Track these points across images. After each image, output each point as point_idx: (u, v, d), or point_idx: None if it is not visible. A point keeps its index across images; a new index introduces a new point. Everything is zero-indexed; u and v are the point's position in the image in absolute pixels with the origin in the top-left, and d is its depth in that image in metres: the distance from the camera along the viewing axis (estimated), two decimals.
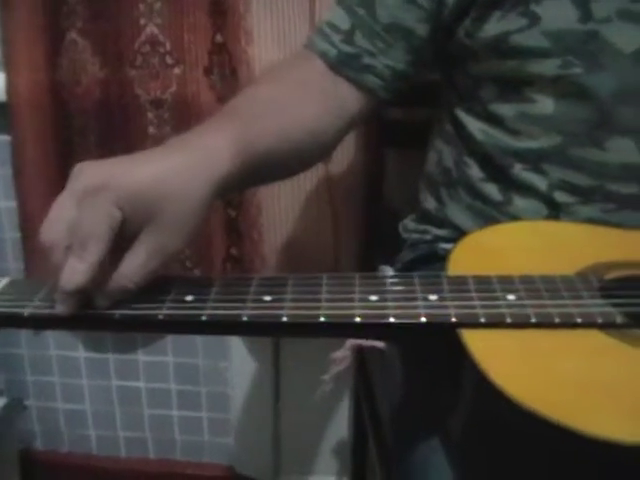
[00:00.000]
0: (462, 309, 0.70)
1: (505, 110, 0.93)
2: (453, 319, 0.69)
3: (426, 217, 1.07)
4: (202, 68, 1.27)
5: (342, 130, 0.97)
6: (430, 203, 1.06)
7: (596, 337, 0.69)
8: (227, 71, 1.25)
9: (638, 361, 0.67)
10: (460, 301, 0.72)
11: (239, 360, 1.51)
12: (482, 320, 0.69)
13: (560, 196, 0.92)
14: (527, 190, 0.94)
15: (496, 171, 0.96)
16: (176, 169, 0.70)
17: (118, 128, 1.30)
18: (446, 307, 0.71)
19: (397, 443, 0.90)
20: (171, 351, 1.56)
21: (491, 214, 0.97)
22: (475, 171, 0.98)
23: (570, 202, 0.92)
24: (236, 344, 1.50)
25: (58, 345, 1.58)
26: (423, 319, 0.70)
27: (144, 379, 1.59)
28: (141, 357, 1.57)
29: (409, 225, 1.10)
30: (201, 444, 1.62)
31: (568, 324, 0.69)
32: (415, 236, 1.08)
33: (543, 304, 0.71)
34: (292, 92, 0.92)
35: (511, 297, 0.72)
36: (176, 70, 1.28)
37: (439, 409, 0.75)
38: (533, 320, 0.69)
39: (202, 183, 0.71)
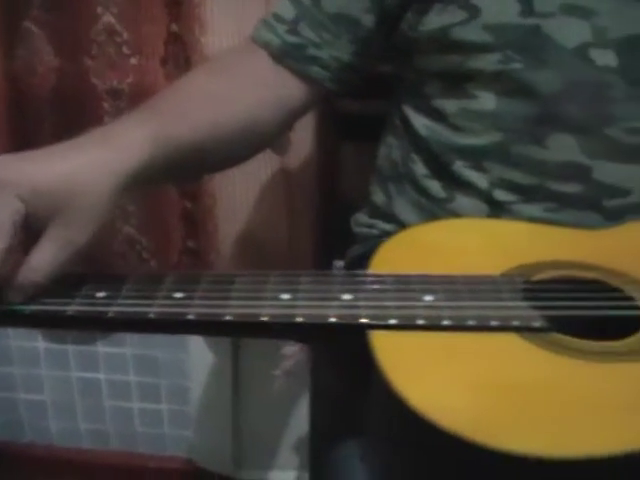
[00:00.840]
0: (374, 309, 0.67)
1: (448, 106, 0.90)
2: (363, 320, 0.66)
3: (375, 211, 1.04)
4: (159, 58, 1.24)
5: (285, 121, 0.94)
6: (379, 197, 1.02)
7: (512, 341, 0.65)
8: (182, 61, 1.21)
9: (552, 367, 0.63)
10: (375, 301, 0.68)
11: (198, 352, 1.48)
12: (393, 322, 0.65)
13: (500, 194, 0.88)
14: (468, 188, 0.90)
15: (439, 168, 0.92)
16: (85, 165, 0.69)
17: (74, 118, 1.27)
18: (358, 307, 0.67)
19: (321, 442, 0.87)
20: (130, 343, 1.53)
21: (434, 211, 0.93)
22: (420, 167, 0.94)
23: (511, 201, 0.88)
24: (195, 336, 1.47)
25: (17, 336, 1.56)
26: (332, 319, 0.66)
27: (104, 370, 1.56)
28: (100, 348, 1.55)
29: (360, 219, 1.06)
30: (162, 436, 1.60)
31: (483, 327, 0.65)
32: (364, 230, 1.04)
33: (460, 306, 0.67)
34: (228, 83, 0.89)
35: (428, 298, 0.68)
36: (133, 60, 1.25)
37: (355, 410, 0.72)
38: (446, 323, 0.66)
39: (110, 178, 0.70)
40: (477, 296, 0.69)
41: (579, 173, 0.86)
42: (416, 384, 0.60)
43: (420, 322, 0.66)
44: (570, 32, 0.83)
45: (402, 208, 0.97)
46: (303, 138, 1.21)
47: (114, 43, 1.24)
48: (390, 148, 1.00)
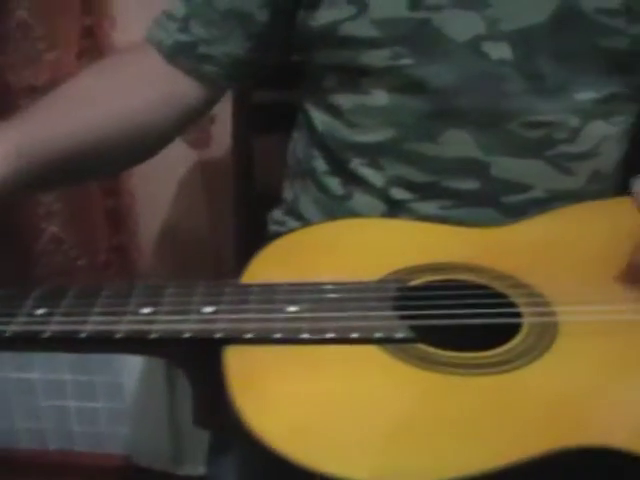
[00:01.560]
0: (233, 323, 0.63)
1: (343, 101, 0.86)
2: (219, 335, 0.62)
3: (286, 208, 1.00)
4: (74, 53, 1.19)
5: (180, 122, 0.90)
6: (288, 194, 0.99)
7: (372, 354, 0.61)
8: (96, 55, 1.17)
9: (408, 382, 0.59)
10: (235, 314, 0.64)
11: None
12: (249, 336, 0.62)
13: (396, 192, 0.85)
14: (365, 185, 0.86)
15: (337, 165, 0.89)
16: None
17: None
18: (216, 321, 0.63)
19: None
20: None
21: (334, 209, 0.90)
22: (320, 163, 0.90)
23: (407, 199, 0.84)
24: None
25: None
26: (187, 334, 0.62)
27: (38, 370, 1.52)
28: None
29: (274, 215, 1.02)
30: (99, 434, 1.57)
31: (343, 340, 0.62)
32: (275, 228, 1.00)
33: (322, 317, 0.64)
34: (112, 85, 0.85)
35: (292, 309, 0.65)
36: (49, 56, 1.20)
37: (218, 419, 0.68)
38: (305, 336, 0.62)
39: None
40: (343, 306, 0.65)
41: (476, 169, 0.83)
42: (254, 399, 0.57)
43: (277, 336, 0.62)
44: (461, 25, 0.79)
45: (306, 205, 0.94)
46: (220, 131, 1.16)
47: (29, 39, 1.19)
48: (295, 143, 0.97)
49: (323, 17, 0.82)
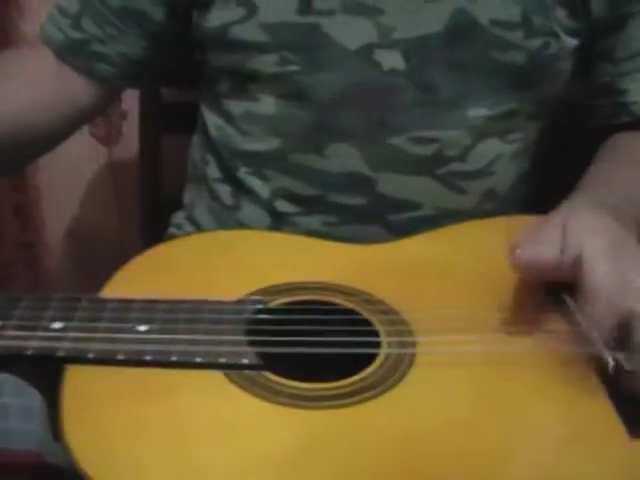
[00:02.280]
0: (77, 342, 0.60)
1: (234, 107, 0.83)
2: (61, 353, 0.59)
3: (186, 212, 0.97)
4: None
5: (73, 121, 0.87)
6: (187, 198, 0.96)
7: (213, 381, 0.59)
8: (3, 47, 1.12)
9: (239, 414, 0.56)
10: (83, 332, 0.61)
11: None
12: (92, 356, 0.59)
13: (281, 205, 0.82)
14: (252, 196, 0.84)
15: (227, 172, 0.86)
16: None
17: None
18: (62, 339, 0.60)
19: None
20: None
21: (224, 218, 0.87)
22: (212, 169, 0.88)
23: (291, 212, 0.82)
24: None
25: None
26: (30, 352, 0.59)
27: None
28: None
29: (175, 218, 0.99)
30: (9, 431, 1.53)
31: (188, 364, 0.59)
32: (173, 230, 0.97)
33: (172, 339, 0.61)
34: (1, 85, 0.81)
35: (142, 328, 0.62)
36: None
37: None
38: (148, 358, 0.59)
39: None
40: (195, 328, 0.62)
41: (362, 185, 0.80)
42: (80, 425, 0.55)
43: (120, 357, 0.59)
44: (353, 32, 0.76)
45: (201, 212, 0.91)
46: (132, 128, 1.13)
47: None
48: (194, 146, 0.94)
49: (215, 18, 0.79)
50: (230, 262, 0.73)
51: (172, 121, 1.07)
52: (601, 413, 0.59)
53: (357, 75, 0.76)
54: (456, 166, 0.80)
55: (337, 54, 0.76)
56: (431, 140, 0.78)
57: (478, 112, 0.78)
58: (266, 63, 0.78)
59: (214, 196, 0.88)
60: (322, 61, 0.76)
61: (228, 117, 0.84)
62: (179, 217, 0.96)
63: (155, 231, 1.05)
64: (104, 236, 1.23)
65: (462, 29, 0.75)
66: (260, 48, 0.77)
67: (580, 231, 0.63)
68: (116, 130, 1.14)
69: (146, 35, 0.84)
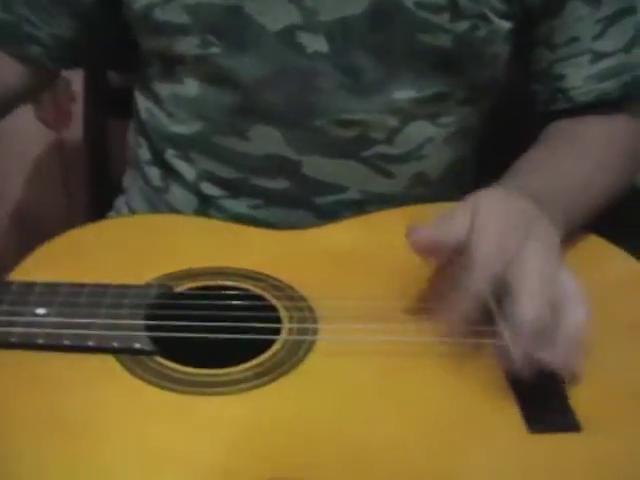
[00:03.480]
0: None
1: (162, 90, 0.82)
2: None
3: (125, 196, 0.96)
4: None
5: (4, 106, 0.84)
6: (125, 181, 0.95)
7: (105, 366, 0.57)
8: None
9: (123, 398, 0.56)
10: None
11: None
12: None
13: (207, 188, 0.81)
14: (179, 179, 0.83)
15: (156, 155, 0.85)
16: None
17: None
18: None
19: None
20: None
21: (155, 201, 0.86)
22: (144, 151, 0.87)
23: (217, 195, 0.81)
24: None
25: None
26: None
27: None
28: None
29: (117, 203, 0.98)
30: None
31: (80, 348, 0.58)
32: (112, 215, 0.96)
33: (68, 323, 0.60)
34: None
35: (40, 311, 0.61)
36: None
37: None
38: (40, 341, 0.58)
39: None
40: (93, 311, 0.61)
41: (286, 168, 0.79)
42: None
43: (13, 340, 0.58)
44: (276, 13, 0.74)
45: (134, 196, 0.90)
46: (76, 114, 1.12)
47: None
48: (130, 130, 0.92)
49: (140, 0, 0.77)
50: (148, 246, 0.72)
51: (119, 105, 1.05)
52: (502, 406, 0.58)
53: (279, 58, 0.75)
54: (382, 149, 0.79)
55: (259, 36, 0.74)
56: (355, 122, 0.77)
57: (405, 94, 0.76)
58: (189, 45, 0.76)
59: (146, 179, 0.87)
60: (244, 43, 0.75)
61: (157, 100, 0.83)
62: (120, 201, 0.95)
63: (102, 216, 1.04)
64: (51, 220, 1.21)
65: (386, 12, 0.73)
66: (182, 30, 0.76)
67: (488, 213, 0.61)
68: (65, 114, 1.12)
69: (77, 16, 0.82)
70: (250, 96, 0.76)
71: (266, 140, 0.77)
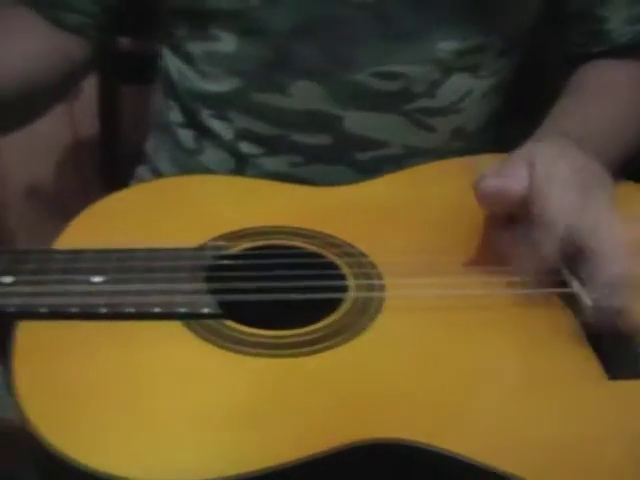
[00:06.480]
0: (27, 296, 0.55)
1: (194, 48, 0.78)
2: (12, 309, 0.54)
3: (148, 164, 0.91)
4: None
5: (68, 74, 0.80)
6: (149, 147, 0.90)
7: (173, 331, 0.54)
8: None
9: (199, 364, 0.52)
10: (33, 285, 0.56)
11: None
12: (44, 310, 0.54)
13: (245, 146, 0.77)
14: (215, 139, 0.79)
15: (189, 116, 0.81)
16: None
17: None
18: (11, 294, 0.55)
19: None
20: None
21: (187, 163, 0.82)
22: (175, 114, 0.83)
23: (255, 153, 0.77)
24: None
25: None
26: None
27: None
28: None
29: (138, 171, 0.93)
30: None
31: (144, 315, 0.55)
32: (135, 183, 0.91)
33: (126, 290, 0.56)
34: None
35: (97, 279, 0.58)
36: None
37: None
38: (103, 310, 0.54)
39: None
40: (152, 277, 0.58)
41: (326, 124, 0.75)
42: (31, 381, 0.50)
43: (74, 310, 0.54)
44: None
45: (163, 161, 0.86)
46: (91, 82, 1.07)
47: None
48: (156, 94, 0.88)
49: None
50: (189, 208, 0.68)
51: (131, 71, 1.01)
52: (579, 354, 0.55)
53: (309, 9, 0.71)
54: (424, 102, 0.75)
55: None
56: (396, 75, 0.73)
57: (448, 45, 0.73)
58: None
59: (177, 142, 0.83)
60: None
61: (188, 59, 0.79)
62: (142, 170, 0.91)
63: (117, 187, 1.00)
64: (65, 193, 1.17)
65: None
66: None
67: (546, 162, 0.59)
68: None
69: None
70: (287, 48, 0.73)
71: (307, 95, 0.74)
